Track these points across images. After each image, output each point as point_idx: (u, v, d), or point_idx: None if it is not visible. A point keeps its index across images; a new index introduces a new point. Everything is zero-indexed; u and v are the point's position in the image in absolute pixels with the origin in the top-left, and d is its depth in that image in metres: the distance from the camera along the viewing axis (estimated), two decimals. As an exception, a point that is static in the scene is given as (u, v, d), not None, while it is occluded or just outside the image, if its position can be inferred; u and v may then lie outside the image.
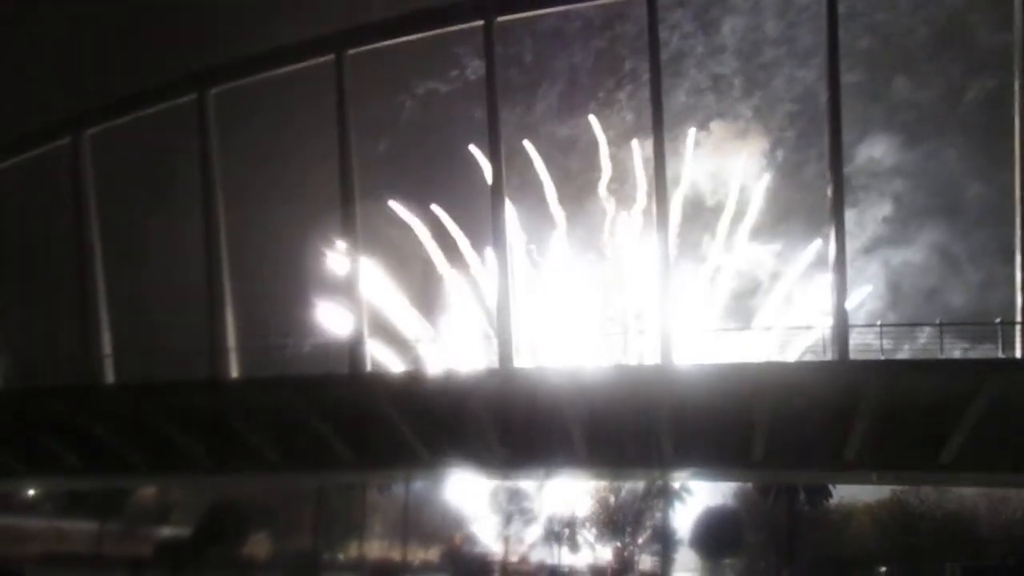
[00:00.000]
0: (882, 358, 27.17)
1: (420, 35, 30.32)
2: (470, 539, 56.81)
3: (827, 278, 27.94)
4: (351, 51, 29.89)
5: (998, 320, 27.02)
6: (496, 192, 30.18)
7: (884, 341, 26.95)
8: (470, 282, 53.52)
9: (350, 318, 30.94)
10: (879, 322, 28.72)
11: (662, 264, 28.85)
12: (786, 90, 52.69)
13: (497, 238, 30.13)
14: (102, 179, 32.94)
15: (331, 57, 30.06)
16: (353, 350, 30.16)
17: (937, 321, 27.78)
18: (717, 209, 50.71)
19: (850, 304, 28.05)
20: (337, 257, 38.01)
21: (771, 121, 53.28)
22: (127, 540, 53.77)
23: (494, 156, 30.05)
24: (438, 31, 30.13)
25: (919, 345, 27.65)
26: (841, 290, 27.16)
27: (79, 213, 32.27)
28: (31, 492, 53.60)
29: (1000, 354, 26.21)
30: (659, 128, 28.65)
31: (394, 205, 52.44)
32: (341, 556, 56.77)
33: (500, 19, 28.84)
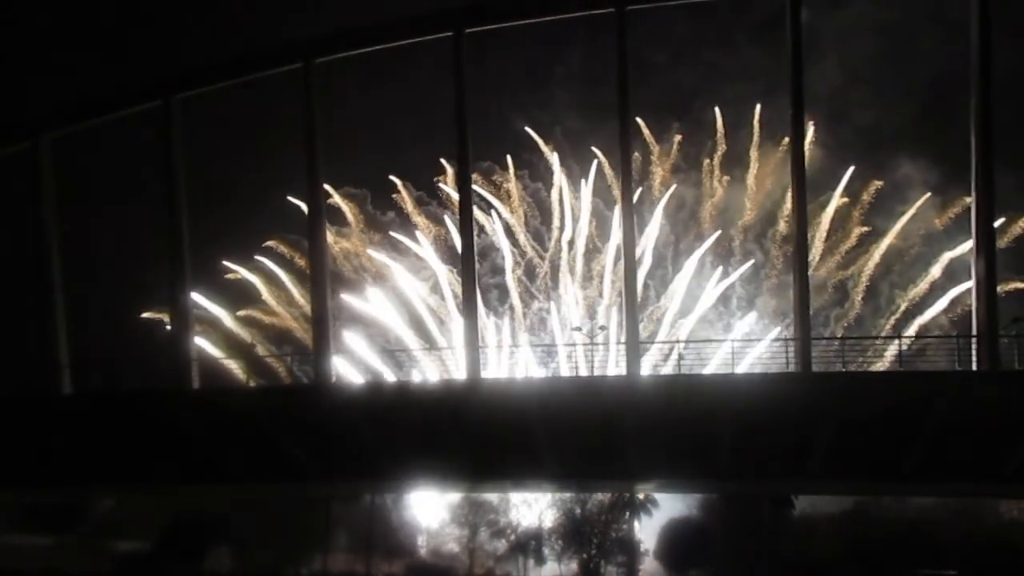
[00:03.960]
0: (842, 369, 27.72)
1: (388, 45, 30.27)
2: (435, 552, 56.43)
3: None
4: (319, 59, 29.74)
5: (955, 334, 27.67)
6: (464, 204, 30.22)
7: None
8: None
9: (313, 328, 30.69)
10: (841, 335, 29.21)
11: (628, 276, 29.07)
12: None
13: (464, 251, 30.13)
14: (61, 184, 32.35)
15: (299, 65, 29.86)
16: (318, 361, 29.93)
17: (898, 334, 28.35)
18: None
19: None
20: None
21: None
22: (84, 555, 52.53)
23: (462, 167, 30.11)
24: (406, 41, 30.10)
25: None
26: (803, 301, 27.59)
27: (39, 220, 31.59)
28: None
29: (957, 366, 26.82)
30: (626, 138, 28.94)
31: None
32: (304, 570, 56.00)
33: (469, 30, 28.86)
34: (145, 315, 46.33)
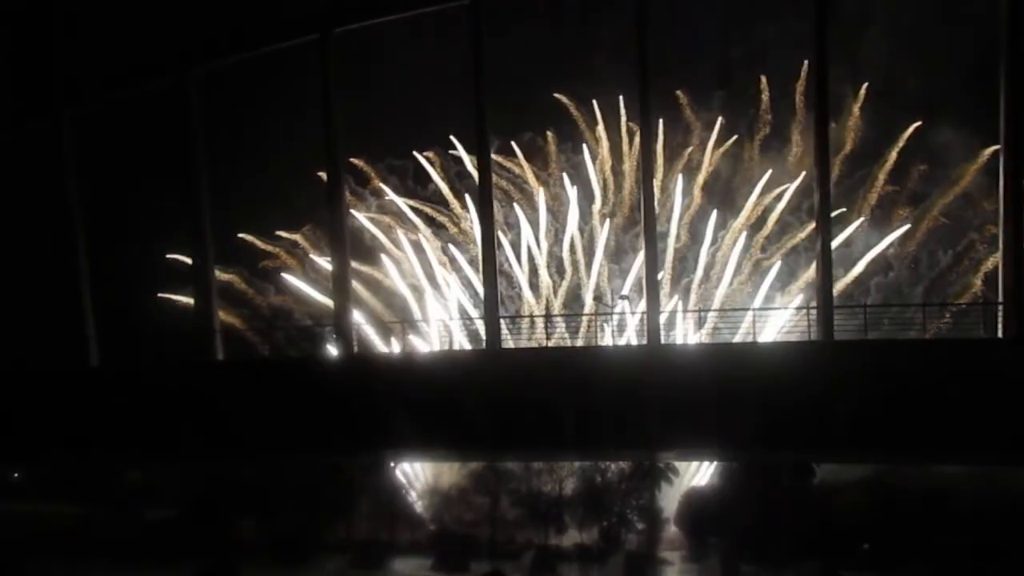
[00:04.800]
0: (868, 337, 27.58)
1: (407, 14, 29.96)
2: (457, 520, 57.10)
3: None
4: (337, 29, 29.50)
5: (980, 301, 27.41)
6: (483, 174, 30.10)
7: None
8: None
9: (336, 299, 30.86)
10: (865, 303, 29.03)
11: (649, 244, 28.94)
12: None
13: (483, 220, 30.07)
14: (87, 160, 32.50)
15: (315, 36, 29.64)
16: (341, 331, 30.12)
17: (922, 302, 28.11)
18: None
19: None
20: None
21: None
22: (113, 523, 53.64)
23: (480, 133, 29.89)
24: (426, 9, 29.76)
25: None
26: (826, 270, 27.39)
27: (63, 199, 31.81)
28: (16, 475, 53.37)
29: (982, 333, 26.58)
30: (646, 104, 28.65)
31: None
32: (328, 538, 56.90)
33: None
34: (175, 297, 46.50)
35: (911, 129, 44.24)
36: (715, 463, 52.44)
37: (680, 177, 46.18)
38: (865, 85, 43.98)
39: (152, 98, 32.28)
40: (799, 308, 35.28)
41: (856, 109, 45.10)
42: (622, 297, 42.18)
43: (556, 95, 51.84)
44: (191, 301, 34.42)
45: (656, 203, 42.16)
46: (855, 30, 38.80)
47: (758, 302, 46.63)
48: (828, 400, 26.23)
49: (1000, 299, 25.94)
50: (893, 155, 46.03)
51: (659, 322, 28.08)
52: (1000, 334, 25.86)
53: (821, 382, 26.14)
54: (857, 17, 39.51)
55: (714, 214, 50.40)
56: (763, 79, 49.83)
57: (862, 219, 43.77)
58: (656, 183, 46.98)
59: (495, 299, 29.85)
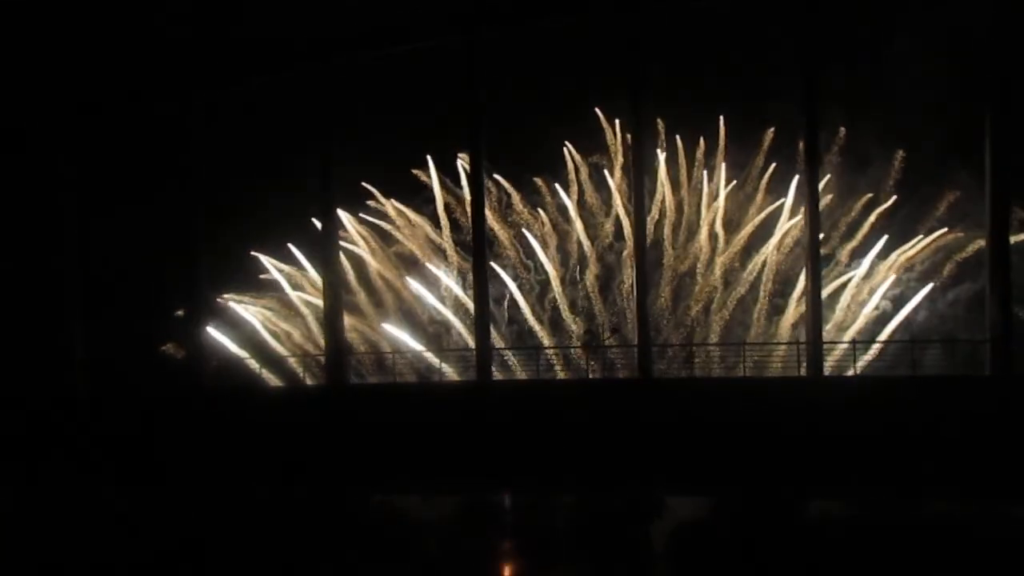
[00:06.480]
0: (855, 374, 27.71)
1: (402, 48, 30.31)
2: (446, 553, 56.44)
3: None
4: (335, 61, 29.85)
5: (970, 339, 27.56)
6: (476, 201, 30.29)
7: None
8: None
9: (330, 329, 30.84)
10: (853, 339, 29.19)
11: (639, 274, 29.08)
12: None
13: (476, 247, 30.19)
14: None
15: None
16: (333, 362, 30.09)
17: (909, 338, 28.33)
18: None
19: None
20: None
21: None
22: (96, 553, 52.82)
23: (474, 167, 30.18)
24: (420, 44, 30.07)
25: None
26: (816, 306, 27.56)
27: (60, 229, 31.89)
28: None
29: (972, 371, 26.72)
30: (638, 148, 29.02)
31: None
32: (313, 573, 56.10)
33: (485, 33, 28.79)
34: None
35: (947, 202, 43.83)
36: (708, 498, 52.02)
37: (703, 219, 46.15)
38: (900, 154, 43.53)
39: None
40: (789, 344, 35.33)
41: (888, 184, 44.73)
42: (613, 330, 41.98)
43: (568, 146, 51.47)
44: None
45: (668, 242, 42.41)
46: (886, 84, 38.86)
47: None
48: (817, 434, 26.28)
49: (988, 337, 26.13)
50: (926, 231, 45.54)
51: (651, 353, 28.18)
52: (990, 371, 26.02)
53: (811, 417, 26.20)
54: (887, 69, 39.49)
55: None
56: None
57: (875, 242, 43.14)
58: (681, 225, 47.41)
59: (487, 329, 29.90)
